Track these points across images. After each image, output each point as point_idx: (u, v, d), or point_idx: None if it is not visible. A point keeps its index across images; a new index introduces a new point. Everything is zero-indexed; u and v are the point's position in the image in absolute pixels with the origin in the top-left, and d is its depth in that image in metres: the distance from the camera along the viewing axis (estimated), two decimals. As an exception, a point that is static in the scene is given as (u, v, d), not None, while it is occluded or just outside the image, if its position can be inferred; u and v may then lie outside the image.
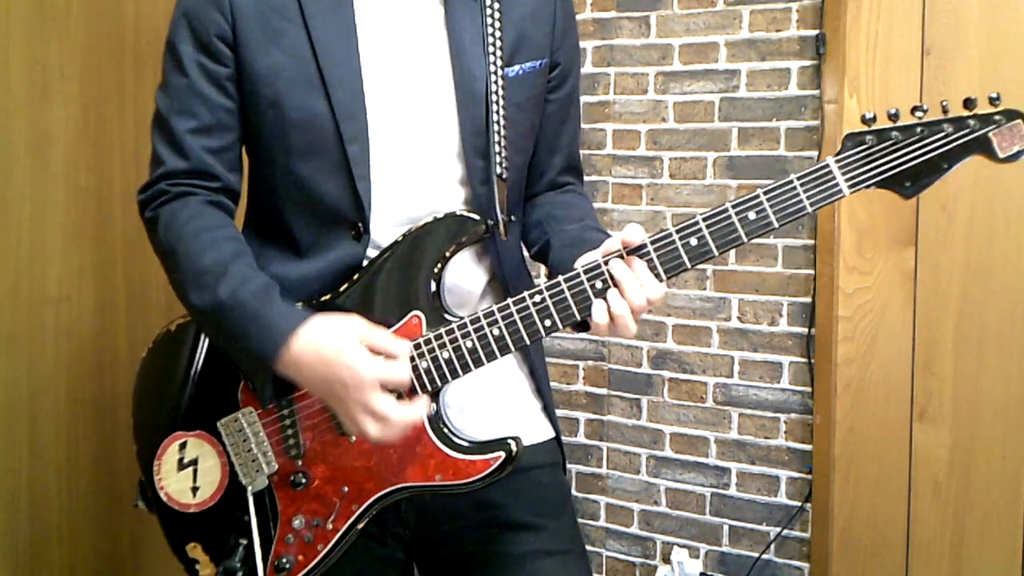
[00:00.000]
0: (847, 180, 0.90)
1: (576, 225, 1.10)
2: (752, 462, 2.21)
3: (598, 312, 0.93)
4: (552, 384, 1.25)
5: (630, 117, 2.31)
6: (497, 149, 1.04)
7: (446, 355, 0.96)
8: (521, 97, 1.08)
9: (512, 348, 0.96)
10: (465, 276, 1.09)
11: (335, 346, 0.92)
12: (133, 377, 1.73)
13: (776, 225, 0.91)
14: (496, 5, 1.05)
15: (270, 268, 1.04)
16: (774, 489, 2.19)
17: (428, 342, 0.97)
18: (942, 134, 0.89)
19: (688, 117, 2.25)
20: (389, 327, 0.99)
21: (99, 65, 1.62)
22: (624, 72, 2.31)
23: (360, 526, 1.00)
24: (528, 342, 0.95)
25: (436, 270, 1.00)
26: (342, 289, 1.01)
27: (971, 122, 0.88)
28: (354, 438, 0.99)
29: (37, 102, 1.51)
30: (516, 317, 0.95)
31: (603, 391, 2.38)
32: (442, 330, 0.97)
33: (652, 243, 0.93)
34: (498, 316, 0.95)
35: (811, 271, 2.13)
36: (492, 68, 1.04)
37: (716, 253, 0.92)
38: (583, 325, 0.97)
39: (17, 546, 1.49)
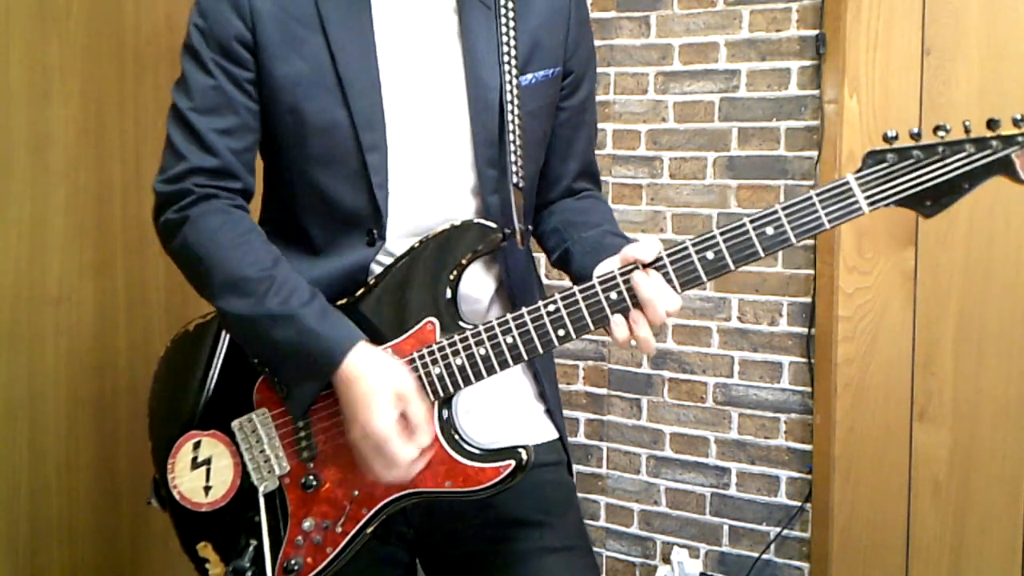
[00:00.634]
0: (867, 198, 0.89)
1: (595, 231, 1.10)
2: (752, 462, 2.21)
3: (618, 328, 0.93)
4: (558, 388, 1.26)
5: (630, 117, 2.31)
6: (513, 159, 1.04)
7: (459, 362, 0.97)
8: (534, 105, 1.08)
9: (525, 357, 0.96)
10: (475, 284, 1.09)
11: (373, 385, 0.94)
12: (133, 377, 1.73)
13: (794, 241, 0.90)
14: (511, 14, 1.05)
15: None
16: (774, 489, 2.19)
17: (442, 348, 0.97)
18: (964, 154, 0.87)
19: (688, 117, 2.25)
20: (404, 331, 0.99)
21: (99, 65, 1.62)
22: (624, 72, 2.31)
23: (370, 530, 1.00)
24: (541, 352, 0.95)
25: (452, 277, 1.00)
26: (359, 293, 1.02)
27: (994, 143, 0.87)
28: None
29: (37, 102, 1.51)
30: (530, 327, 0.95)
31: (603, 391, 2.38)
32: (456, 337, 0.97)
33: (668, 256, 0.92)
34: (512, 325, 0.95)
35: (811, 271, 2.13)
36: (507, 78, 1.04)
37: (733, 268, 0.91)
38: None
39: (17, 546, 1.49)
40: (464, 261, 1.00)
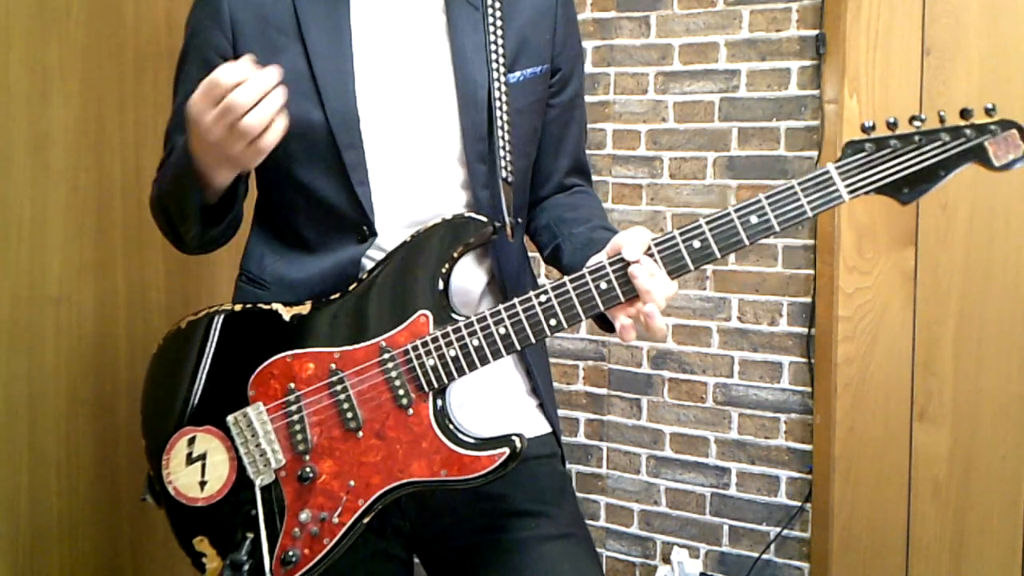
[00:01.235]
0: (847, 186, 0.92)
1: (585, 227, 1.13)
2: (752, 462, 2.21)
3: (627, 332, 0.95)
4: (552, 384, 1.27)
5: (630, 117, 2.31)
6: (502, 154, 1.07)
7: (452, 353, 0.98)
8: (523, 103, 1.10)
9: (518, 347, 0.98)
10: (466, 277, 1.11)
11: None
12: (133, 377, 1.73)
13: (777, 229, 0.93)
14: (498, 13, 1.08)
15: (280, 264, 1.10)
16: (774, 489, 2.19)
17: (435, 340, 0.99)
18: (939, 143, 0.91)
19: (688, 117, 2.25)
20: (397, 324, 1.01)
21: (99, 65, 1.62)
22: (624, 72, 2.31)
23: (365, 521, 1.01)
24: (533, 341, 0.97)
25: (444, 270, 1.02)
26: (351, 288, 1.04)
27: (967, 131, 0.91)
28: (361, 434, 1.01)
29: (37, 102, 1.51)
30: (522, 316, 0.97)
31: (603, 391, 2.38)
32: (449, 328, 0.99)
33: (656, 245, 0.95)
34: (504, 315, 0.97)
35: (811, 271, 2.13)
36: (495, 75, 1.07)
37: (719, 255, 0.94)
38: (610, 326, 0.99)
39: (17, 546, 1.49)
40: (455, 254, 1.02)
